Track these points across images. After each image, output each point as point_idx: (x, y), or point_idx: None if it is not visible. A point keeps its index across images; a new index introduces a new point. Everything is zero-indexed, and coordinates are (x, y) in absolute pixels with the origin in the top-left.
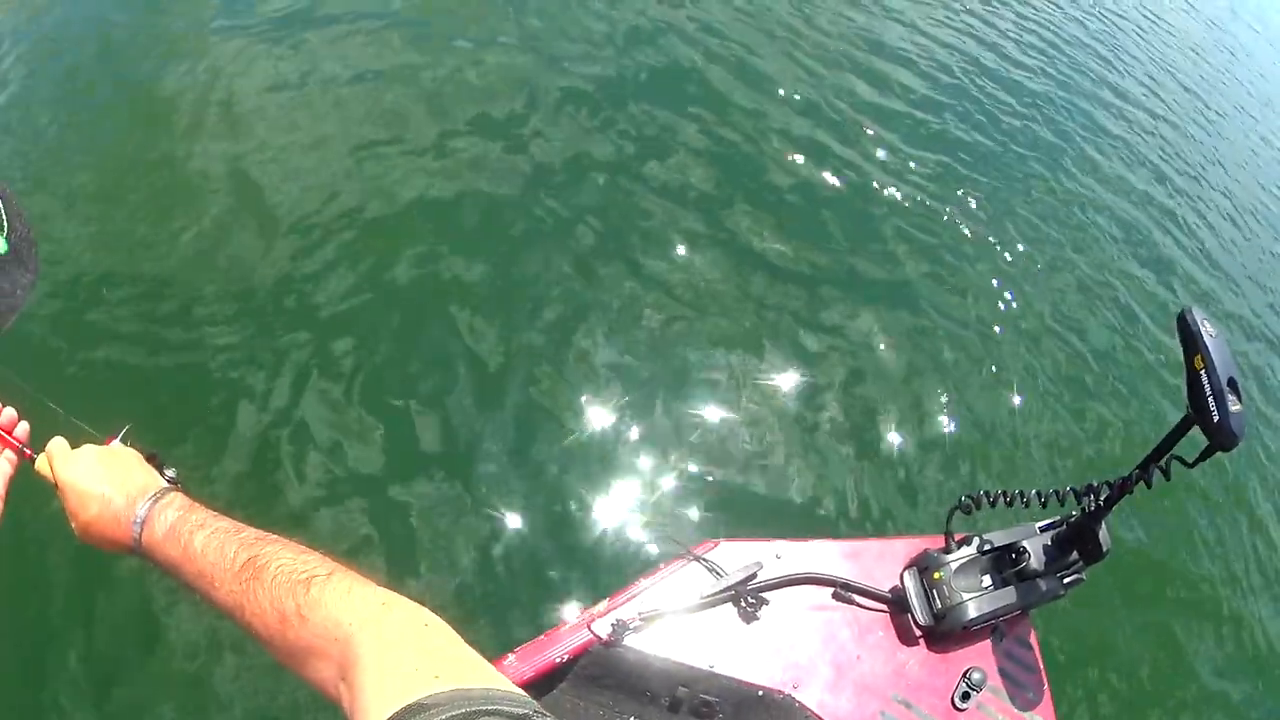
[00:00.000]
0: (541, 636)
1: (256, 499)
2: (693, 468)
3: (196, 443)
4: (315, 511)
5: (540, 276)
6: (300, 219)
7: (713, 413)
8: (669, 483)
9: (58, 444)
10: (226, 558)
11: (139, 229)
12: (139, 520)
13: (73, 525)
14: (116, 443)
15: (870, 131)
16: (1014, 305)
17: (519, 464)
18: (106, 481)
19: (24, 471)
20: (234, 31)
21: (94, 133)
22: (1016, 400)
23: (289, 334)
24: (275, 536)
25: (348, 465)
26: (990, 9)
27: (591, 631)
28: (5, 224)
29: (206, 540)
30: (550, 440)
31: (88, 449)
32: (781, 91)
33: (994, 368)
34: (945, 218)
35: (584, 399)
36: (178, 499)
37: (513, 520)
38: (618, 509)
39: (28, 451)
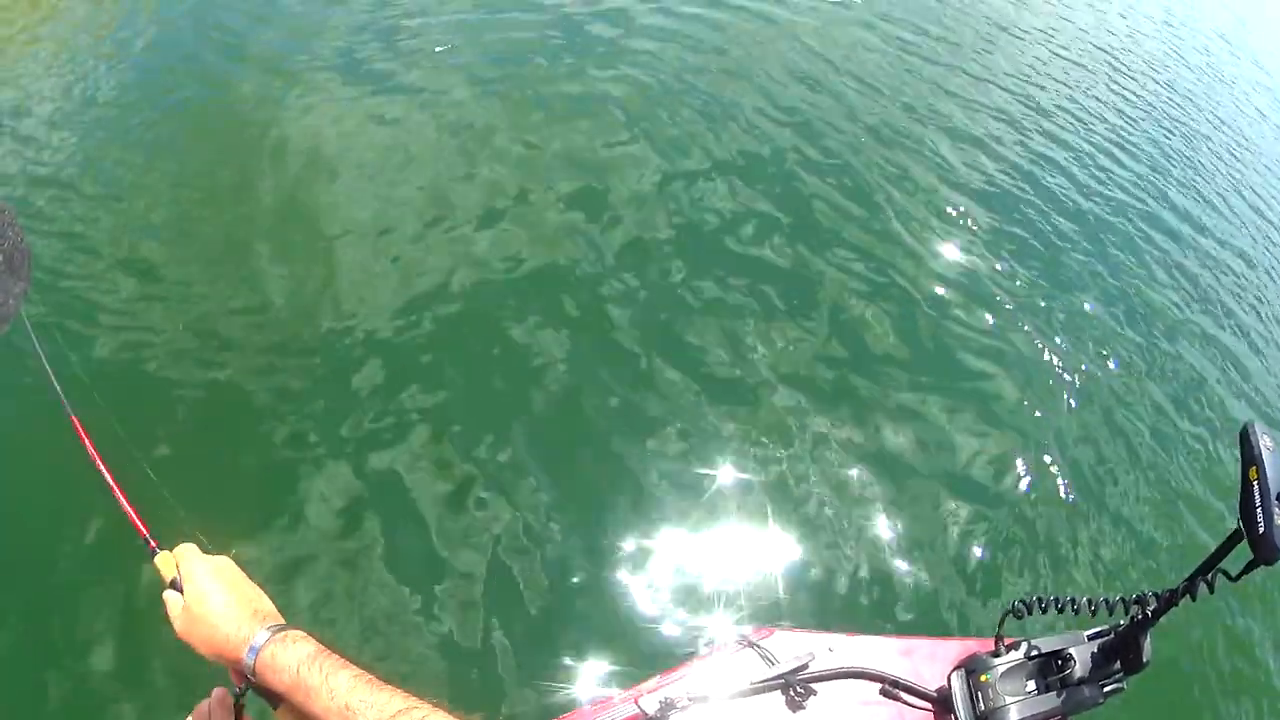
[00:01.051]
0: (588, 707)
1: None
2: (756, 554)
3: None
4: (381, 578)
5: (607, 359)
6: (379, 295)
7: (778, 502)
8: (731, 567)
9: (189, 548)
10: (379, 700)
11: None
12: (257, 641)
13: (176, 619)
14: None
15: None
16: (1076, 411)
17: (586, 539)
18: (234, 590)
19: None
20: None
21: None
22: (1074, 506)
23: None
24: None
25: (407, 538)
26: (1057, 122)
27: (639, 707)
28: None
29: (353, 681)
30: (617, 519)
31: (224, 559)
32: (849, 192)
33: (1055, 475)
34: (1006, 313)
35: (651, 482)
36: (309, 636)
37: (573, 592)
38: (678, 588)
39: (153, 543)
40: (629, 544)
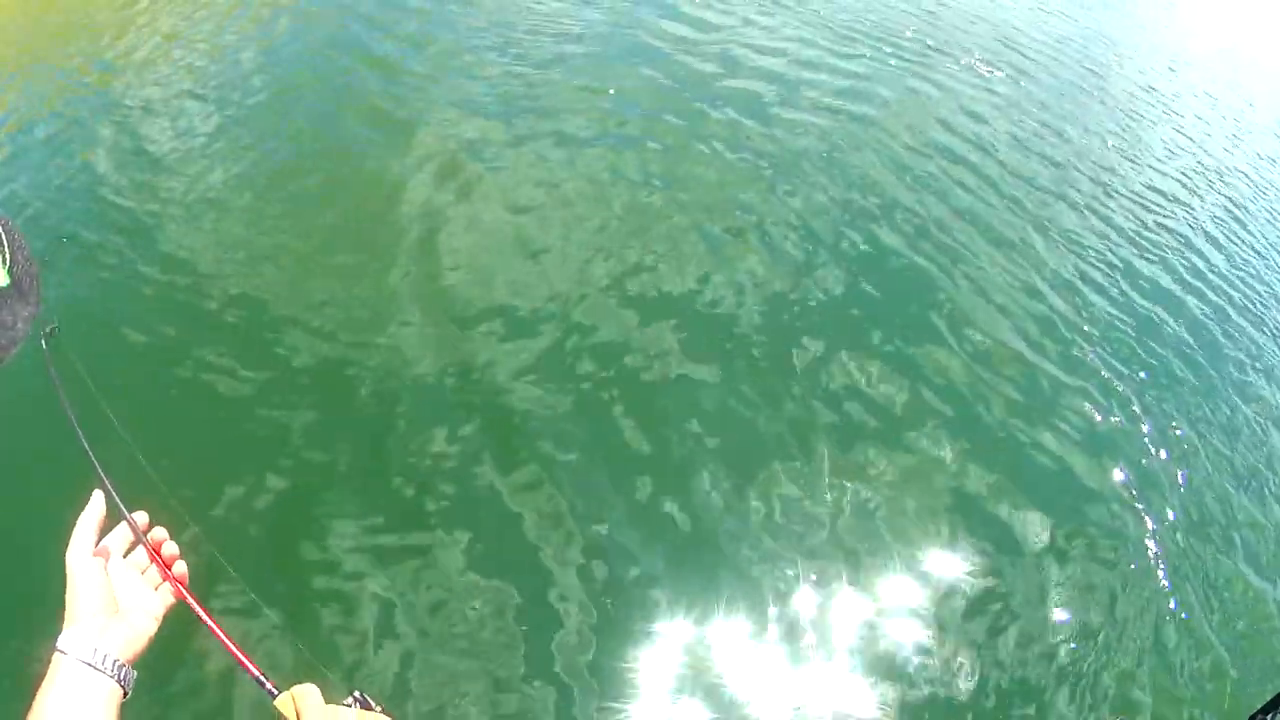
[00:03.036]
0: None
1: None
2: (866, 665)
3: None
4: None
5: (727, 435)
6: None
7: (901, 614)
8: (840, 679)
9: (310, 691)
10: None
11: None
12: None
13: None
14: (353, 704)
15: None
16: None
17: (700, 630)
18: None
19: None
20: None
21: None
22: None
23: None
24: None
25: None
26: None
27: None
28: (8, 256)
29: None
30: (729, 613)
31: (346, 713)
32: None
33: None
34: (1118, 446)
35: (761, 580)
36: None
37: (693, 682)
38: (784, 695)
39: (268, 683)
40: (739, 645)
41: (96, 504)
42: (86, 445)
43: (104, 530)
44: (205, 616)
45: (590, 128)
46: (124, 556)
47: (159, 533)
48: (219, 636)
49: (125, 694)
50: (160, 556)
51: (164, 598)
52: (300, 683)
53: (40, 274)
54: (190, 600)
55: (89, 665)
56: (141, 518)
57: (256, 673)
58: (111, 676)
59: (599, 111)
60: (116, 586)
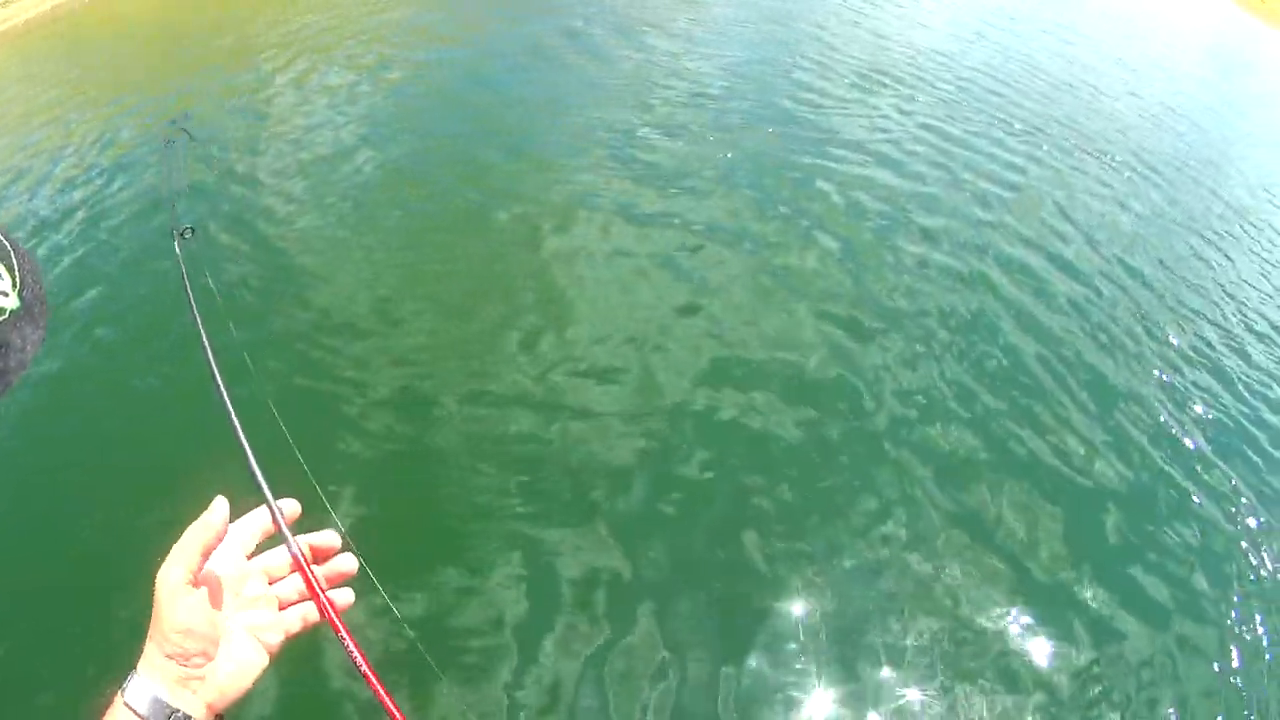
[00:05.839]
0: None
1: None
2: None
3: None
4: None
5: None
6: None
7: None
8: None
9: None
10: None
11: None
12: None
13: None
14: None
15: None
16: None
17: None
18: None
19: None
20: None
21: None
22: None
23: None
24: None
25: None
26: None
27: None
28: (18, 279)
29: None
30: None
31: None
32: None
33: None
34: None
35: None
36: None
37: None
38: None
39: None
40: None
41: (216, 514)
42: (225, 393)
43: (220, 546)
44: (370, 674)
45: (719, 201)
46: (248, 558)
47: (325, 537)
48: (386, 704)
49: None
50: (313, 571)
51: (289, 621)
52: None
53: (47, 298)
54: (350, 645)
55: None
56: (292, 506)
57: None
58: None
59: (723, 181)
60: (228, 599)
